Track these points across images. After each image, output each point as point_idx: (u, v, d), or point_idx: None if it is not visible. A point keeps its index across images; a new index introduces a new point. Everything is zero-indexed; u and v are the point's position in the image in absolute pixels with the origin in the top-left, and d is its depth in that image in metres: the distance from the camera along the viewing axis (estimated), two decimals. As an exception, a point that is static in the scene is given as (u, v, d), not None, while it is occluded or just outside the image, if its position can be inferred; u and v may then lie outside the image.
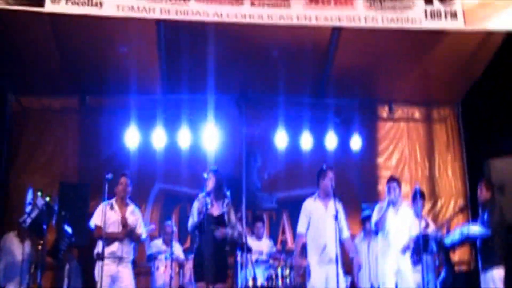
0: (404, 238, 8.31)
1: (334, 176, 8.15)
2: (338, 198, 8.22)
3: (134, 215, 8.28)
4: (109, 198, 8.18)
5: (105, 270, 7.72)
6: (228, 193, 8.20)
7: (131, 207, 8.33)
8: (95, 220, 8.12)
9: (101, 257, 7.69)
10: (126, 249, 8.09)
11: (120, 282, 8.04)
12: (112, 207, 8.09)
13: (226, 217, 7.95)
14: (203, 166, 10.54)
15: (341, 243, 7.92)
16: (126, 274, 8.06)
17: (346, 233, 8.17)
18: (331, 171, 8.16)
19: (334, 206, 8.00)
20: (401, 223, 8.31)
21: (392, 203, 8.33)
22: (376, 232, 8.59)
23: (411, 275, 8.19)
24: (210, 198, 7.91)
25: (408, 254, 8.30)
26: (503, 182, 9.56)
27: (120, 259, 8.00)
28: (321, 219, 8.04)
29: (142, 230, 8.42)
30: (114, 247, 7.98)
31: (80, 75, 11.12)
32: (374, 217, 8.56)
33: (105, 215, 7.86)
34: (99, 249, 7.89)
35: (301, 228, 8.21)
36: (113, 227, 8.04)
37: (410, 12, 8.32)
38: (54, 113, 11.84)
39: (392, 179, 8.76)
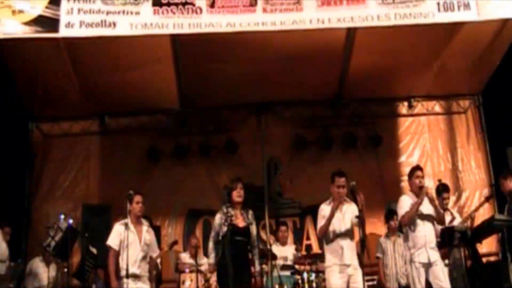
0: (433, 228, 8.13)
1: (346, 180, 7.98)
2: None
3: (149, 233, 8.22)
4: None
5: None
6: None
7: (146, 226, 8.25)
8: (112, 243, 8.04)
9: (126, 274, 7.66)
10: (143, 267, 8.04)
11: None
12: (127, 227, 7.99)
13: (250, 228, 7.92)
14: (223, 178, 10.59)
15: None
16: None
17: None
18: (340, 177, 8.06)
19: (349, 209, 7.90)
20: (429, 212, 8.13)
21: (422, 197, 8.11)
22: (404, 226, 8.34)
23: (442, 269, 8.02)
24: (237, 209, 7.89)
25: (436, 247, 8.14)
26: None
27: (138, 277, 7.94)
28: (336, 223, 7.95)
29: (155, 250, 8.35)
30: (134, 266, 7.93)
31: (99, 97, 11.22)
32: (400, 211, 8.22)
33: (125, 237, 7.83)
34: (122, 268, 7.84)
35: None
36: (133, 248, 7.96)
37: (422, 6, 8.18)
38: (74, 137, 11.99)
39: (417, 167, 8.42)
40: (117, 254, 7.87)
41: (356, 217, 7.68)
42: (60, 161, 11.80)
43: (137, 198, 8.06)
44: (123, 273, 7.70)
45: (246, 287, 7.79)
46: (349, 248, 7.80)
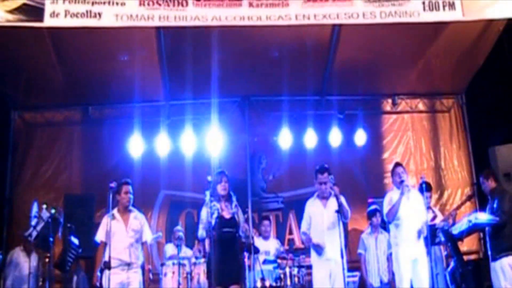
0: (417, 224, 8.21)
1: (329, 175, 8.08)
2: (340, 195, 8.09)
3: (137, 219, 8.19)
4: (112, 207, 8.08)
5: (114, 278, 7.60)
6: (233, 195, 8.17)
7: (134, 213, 8.23)
8: (100, 236, 8.01)
9: (108, 266, 7.58)
10: (134, 255, 8.02)
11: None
12: (114, 217, 7.97)
13: (236, 218, 7.94)
14: (207, 170, 10.55)
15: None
16: (135, 279, 7.97)
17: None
18: (322, 173, 8.11)
19: (333, 204, 7.97)
20: (414, 209, 8.21)
21: (403, 191, 8.18)
22: (389, 223, 8.45)
23: (427, 263, 8.08)
24: (221, 201, 7.90)
25: (422, 241, 8.21)
26: (509, 169, 9.52)
27: (129, 266, 7.92)
28: (319, 218, 8.04)
29: (147, 235, 8.33)
30: (123, 254, 7.90)
31: (82, 87, 11.13)
32: (385, 208, 8.40)
33: (109, 228, 7.78)
34: (106, 258, 7.77)
35: (303, 227, 8.36)
36: (118, 236, 7.94)
37: (408, 5, 8.30)
38: (57, 127, 11.90)
39: (398, 164, 8.69)
40: (105, 245, 7.84)
41: (336, 211, 7.77)
42: (42, 150, 11.71)
43: (126, 188, 8.07)
44: (112, 263, 7.67)
45: (235, 278, 7.82)
46: (332, 243, 7.87)
